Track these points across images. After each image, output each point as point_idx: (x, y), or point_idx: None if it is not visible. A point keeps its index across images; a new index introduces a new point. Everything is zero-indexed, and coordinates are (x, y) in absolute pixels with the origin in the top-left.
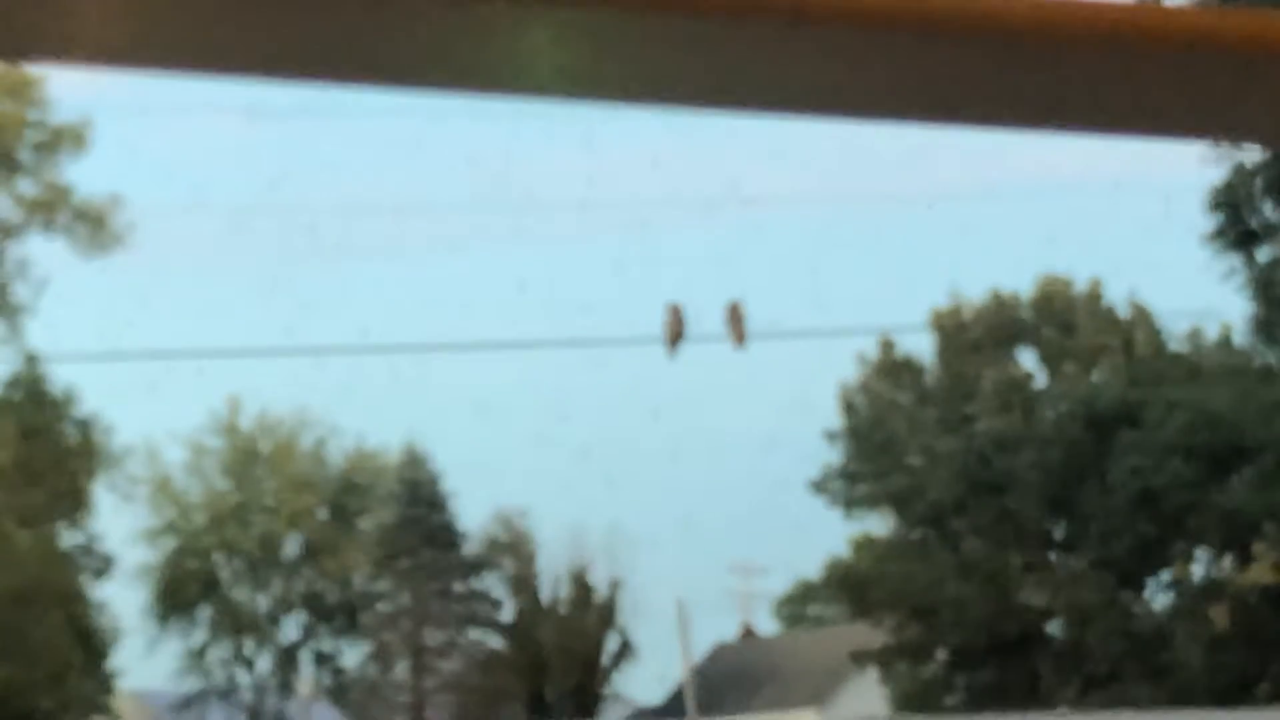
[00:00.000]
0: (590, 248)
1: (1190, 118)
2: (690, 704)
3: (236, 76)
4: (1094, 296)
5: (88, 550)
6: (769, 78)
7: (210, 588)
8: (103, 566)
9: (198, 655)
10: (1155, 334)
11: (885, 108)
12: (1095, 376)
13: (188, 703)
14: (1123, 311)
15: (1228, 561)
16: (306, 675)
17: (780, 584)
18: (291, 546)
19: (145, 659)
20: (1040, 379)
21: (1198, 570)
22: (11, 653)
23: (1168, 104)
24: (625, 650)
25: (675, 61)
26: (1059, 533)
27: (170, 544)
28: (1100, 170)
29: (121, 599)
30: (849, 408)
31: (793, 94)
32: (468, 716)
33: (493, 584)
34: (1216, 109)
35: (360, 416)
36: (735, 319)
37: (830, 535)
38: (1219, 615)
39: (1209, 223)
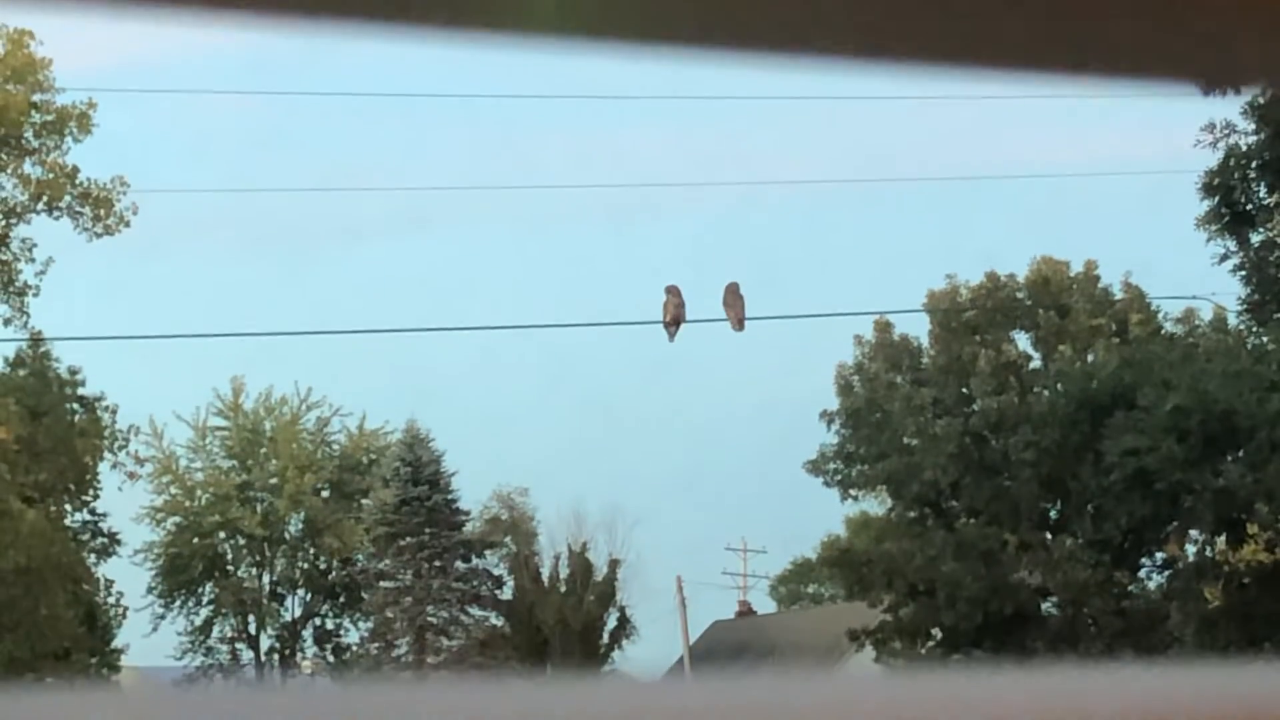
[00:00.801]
0: (590, 228)
1: (1184, 60)
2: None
3: (223, 16)
4: (1090, 278)
5: (93, 528)
6: (776, 17)
7: (214, 566)
8: (107, 544)
9: (201, 632)
10: (1150, 315)
11: (890, 50)
12: (1090, 358)
13: (191, 679)
14: (1118, 293)
15: (1222, 541)
16: (309, 652)
17: (778, 563)
18: (294, 525)
19: (149, 636)
20: (1036, 360)
21: (1191, 549)
22: (17, 629)
23: (1160, 46)
24: (624, 627)
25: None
26: (1054, 512)
27: (174, 522)
28: (1096, 152)
29: (126, 577)
30: (845, 388)
31: (800, 34)
32: None
33: (493, 562)
34: (1214, 50)
35: (362, 395)
36: (733, 300)
37: (827, 514)
38: (1213, 594)
39: (1203, 205)
